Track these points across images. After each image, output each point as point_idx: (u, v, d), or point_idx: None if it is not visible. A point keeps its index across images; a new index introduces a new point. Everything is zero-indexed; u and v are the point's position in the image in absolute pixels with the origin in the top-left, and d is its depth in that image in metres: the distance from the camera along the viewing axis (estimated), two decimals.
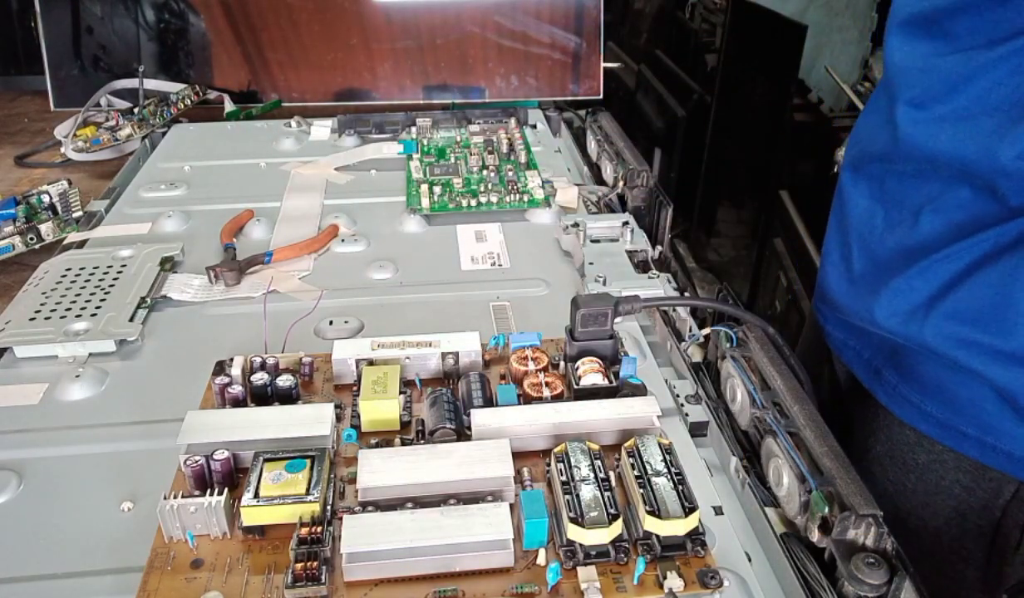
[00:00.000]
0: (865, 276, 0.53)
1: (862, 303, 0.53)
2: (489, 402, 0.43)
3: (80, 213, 0.72)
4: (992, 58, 0.44)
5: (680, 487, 0.36)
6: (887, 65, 0.51)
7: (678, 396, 0.48)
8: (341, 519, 0.36)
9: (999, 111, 0.44)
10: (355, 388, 0.45)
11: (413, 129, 0.87)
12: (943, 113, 0.47)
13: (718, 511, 0.40)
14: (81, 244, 0.66)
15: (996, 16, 0.43)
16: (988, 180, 0.45)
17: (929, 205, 0.49)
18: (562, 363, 0.47)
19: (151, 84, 0.99)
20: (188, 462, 0.38)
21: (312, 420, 0.41)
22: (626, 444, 0.39)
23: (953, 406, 0.51)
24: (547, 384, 0.44)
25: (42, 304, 0.55)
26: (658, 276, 0.58)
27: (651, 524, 0.35)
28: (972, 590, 0.55)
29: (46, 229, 0.70)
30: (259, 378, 0.44)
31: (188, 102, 0.98)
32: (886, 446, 0.56)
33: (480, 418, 0.41)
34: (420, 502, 0.37)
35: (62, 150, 0.88)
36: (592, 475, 0.37)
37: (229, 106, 1.01)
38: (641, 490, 0.37)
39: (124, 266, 0.60)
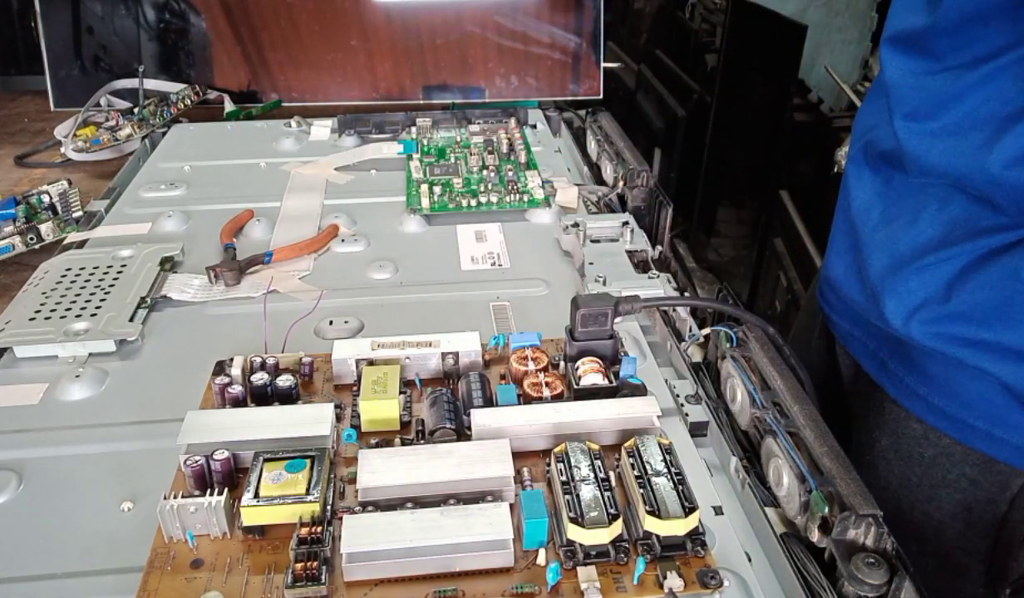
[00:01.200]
0: (869, 271, 0.53)
1: (869, 297, 0.53)
2: (489, 402, 0.43)
3: (80, 213, 0.72)
4: (978, 77, 0.45)
5: (680, 487, 0.36)
6: (883, 75, 0.52)
7: (678, 396, 0.48)
8: (341, 519, 0.36)
9: (987, 125, 0.45)
10: (355, 388, 0.45)
11: (413, 129, 0.87)
12: (934, 129, 0.48)
13: (718, 511, 0.40)
14: (81, 244, 0.66)
15: (975, 34, 0.45)
16: (981, 191, 0.46)
17: (928, 209, 0.50)
18: (562, 363, 0.47)
19: (151, 84, 0.99)
20: (188, 462, 0.38)
21: (312, 420, 0.41)
22: (626, 444, 0.39)
23: (961, 399, 0.51)
24: (547, 384, 0.44)
25: (42, 304, 0.55)
26: (658, 276, 0.58)
27: (651, 524, 0.35)
28: (976, 584, 0.55)
29: (46, 229, 0.70)
30: (259, 378, 0.44)
31: (188, 102, 0.98)
32: (892, 439, 0.56)
33: (480, 418, 0.41)
34: (420, 502, 0.37)
35: (62, 150, 0.88)
36: (592, 475, 0.37)
37: (229, 106, 1.01)
38: (641, 490, 0.37)
39: (124, 266, 0.60)
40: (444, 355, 0.47)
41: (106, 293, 0.57)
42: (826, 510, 0.35)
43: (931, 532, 0.55)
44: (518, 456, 0.40)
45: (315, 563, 0.34)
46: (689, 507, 0.35)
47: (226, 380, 0.44)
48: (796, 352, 0.46)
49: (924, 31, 0.48)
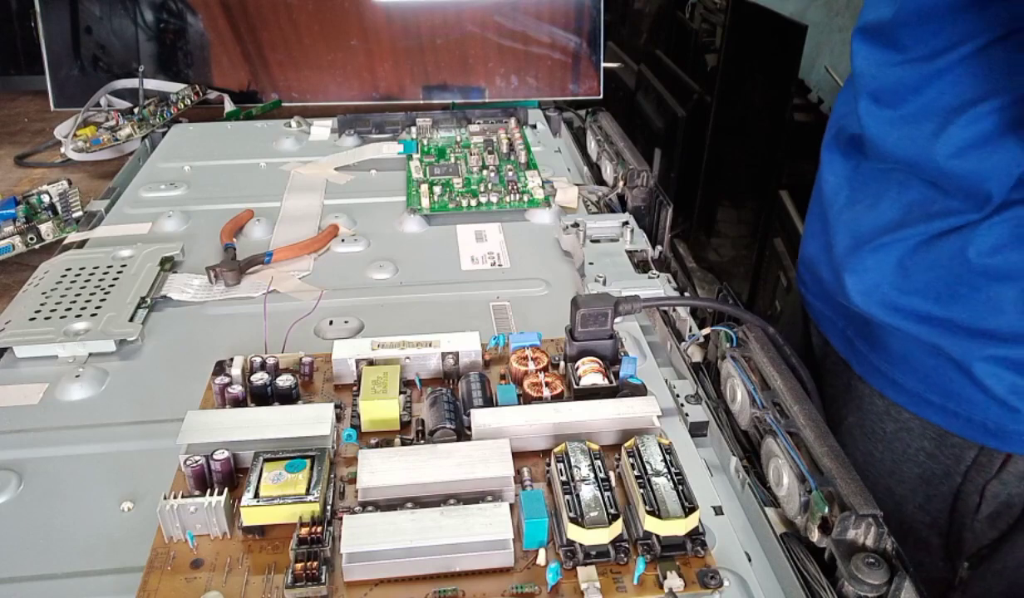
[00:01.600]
0: (834, 250, 0.56)
1: (835, 276, 0.56)
2: (489, 402, 0.43)
3: (80, 213, 0.72)
4: (934, 69, 0.47)
5: (680, 487, 0.37)
6: (852, 63, 0.54)
7: (678, 396, 0.48)
8: (341, 519, 0.36)
9: (938, 116, 0.47)
10: (355, 388, 0.45)
11: (413, 129, 0.87)
12: (893, 117, 0.50)
13: (718, 511, 0.40)
14: (81, 244, 0.66)
15: (933, 28, 0.46)
16: (931, 177, 0.49)
17: (888, 193, 0.52)
18: (562, 363, 0.47)
19: (151, 84, 0.99)
20: (188, 462, 0.38)
21: (312, 420, 0.41)
22: (626, 444, 0.39)
23: (918, 374, 0.53)
24: (547, 384, 0.44)
25: (42, 304, 0.55)
26: (658, 276, 0.58)
27: (651, 524, 0.35)
28: (936, 557, 0.58)
29: (46, 229, 0.70)
30: (259, 378, 0.44)
31: (188, 102, 0.98)
32: (857, 416, 0.58)
33: (480, 418, 0.41)
34: (420, 502, 0.37)
35: (62, 150, 0.88)
36: (592, 475, 0.37)
37: (229, 106, 1.01)
38: (641, 490, 0.37)
39: (124, 266, 0.60)
40: (444, 355, 0.47)
41: (106, 293, 0.57)
42: (826, 510, 0.35)
43: (893, 507, 0.57)
44: (518, 456, 0.40)
45: (315, 563, 0.34)
46: (689, 507, 0.35)
47: (226, 380, 0.44)
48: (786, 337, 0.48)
49: (888, 23, 0.50)
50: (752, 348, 0.45)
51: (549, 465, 0.39)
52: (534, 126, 0.92)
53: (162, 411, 0.47)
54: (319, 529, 0.35)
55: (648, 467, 0.38)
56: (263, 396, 0.44)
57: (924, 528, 0.57)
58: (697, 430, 0.46)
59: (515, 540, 0.35)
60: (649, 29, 2.06)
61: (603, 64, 1.04)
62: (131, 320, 0.54)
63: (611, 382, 0.44)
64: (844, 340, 0.58)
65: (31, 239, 0.69)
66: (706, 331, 0.51)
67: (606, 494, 0.36)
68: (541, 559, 0.35)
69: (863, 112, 0.52)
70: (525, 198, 0.71)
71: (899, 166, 0.51)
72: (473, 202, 0.71)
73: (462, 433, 0.42)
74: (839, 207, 0.56)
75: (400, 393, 0.43)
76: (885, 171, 0.53)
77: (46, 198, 0.70)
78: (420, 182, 0.74)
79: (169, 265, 0.62)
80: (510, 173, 0.75)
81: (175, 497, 0.36)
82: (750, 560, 0.37)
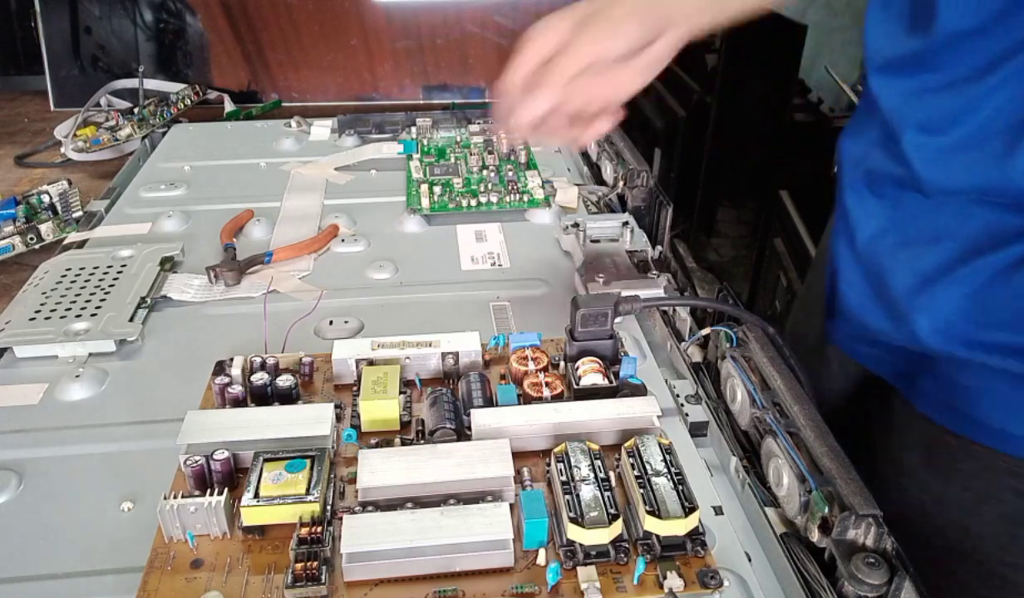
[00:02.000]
0: (892, 294, 0.52)
1: (894, 321, 0.52)
2: (489, 402, 0.43)
3: (80, 213, 0.72)
4: (987, 88, 0.44)
5: (680, 487, 0.36)
6: (879, 105, 0.51)
7: (678, 396, 0.48)
8: (341, 519, 0.36)
9: (1005, 133, 0.44)
10: (355, 388, 0.45)
11: (413, 129, 0.87)
12: (948, 144, 0.47)
13: (718, 511, 0.40)
14: (81, 244, 0.66)
15: (973, 46, 0.44)
16: (1005, 199, 0.46)
17: (949, 225, 0.49)
18: (562, 363, 0.47)
19: (151, 84, 1.00)
20: (188, 462, 0.38)
21: (312, 420, 0.41)
22: (626, 444, 0.39)
23: (1004, 410, 0.49)
24: (547, 384, 0.44)
25: (42, 304, 0.55)
26: (658, 276, 0.58)
27: (651, 524, 0.35)
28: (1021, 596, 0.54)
29: (46, 229, 0.70)
30: (259, 378, 0.44)
31: (188, 102, 0.98)
32: (922, 455, 0.53)
33: (480, 418, 0.41)
34: (420, 502, 0.37)
35: (62, 150, 0.88)
36: (592, 475, 0.37)
37: (229, 106, 1.01)
38: (641, 490, 0.37)
39: (124, 266, 0.60)
40: (444, 355, 0.47)
41: (106, 293, 0.57)
42: (826, 510, 0.35)
43: (970, 546, 0.53)
44: (518, 456, 0.40)
45: (315, 563, 0.34)
46: (689, 507, 0.35)
47: (226, 380, 0.44)
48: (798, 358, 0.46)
49: (917, 52, 0.47)
50: (752, 348, 0.45)
51: (549, 465, 0.39)
52: None
53: (162, 411, 0.47)
54: (319, 529, 0.35)
55: (648, 467, 0.38)
56: (263, 396, 0.44)
57: (1008, 569, 0.53)
58: (697, 430, 0.46)
59: (515, 540, 0.35)
60: None
61: None
62: (131, 320, 0.54)
63: (611, 382, 0.44)
64: (904, 379, 0.54)
65: (31, 239, 0.69)
66: (706, 331, 0.51)
67: (606, 494, 0.36)
68: (541, 559, 0.35)
69: (910, 147, 0.49)
70: (525, 198, 0.71)
71: (959, 195, 0.48)
72: (473, 202, 0.71)
73: (462, 433, 0.42)
74: (888, 250, 0.52)
75: (400, 393, 0.43)
76: (939, 203, 0.49)
77: (46, 198, 0.70)
78: (420, 182, 0.74)
79: (169, 265, 0.62)
80: (510, 173, 0.75)
81: (175, 497, 0.36)
82: (750, 560, 0.37)
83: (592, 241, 0.63)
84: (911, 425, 0.54)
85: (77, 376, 0.49)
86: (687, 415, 0.46)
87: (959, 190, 0.48)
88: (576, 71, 0.47)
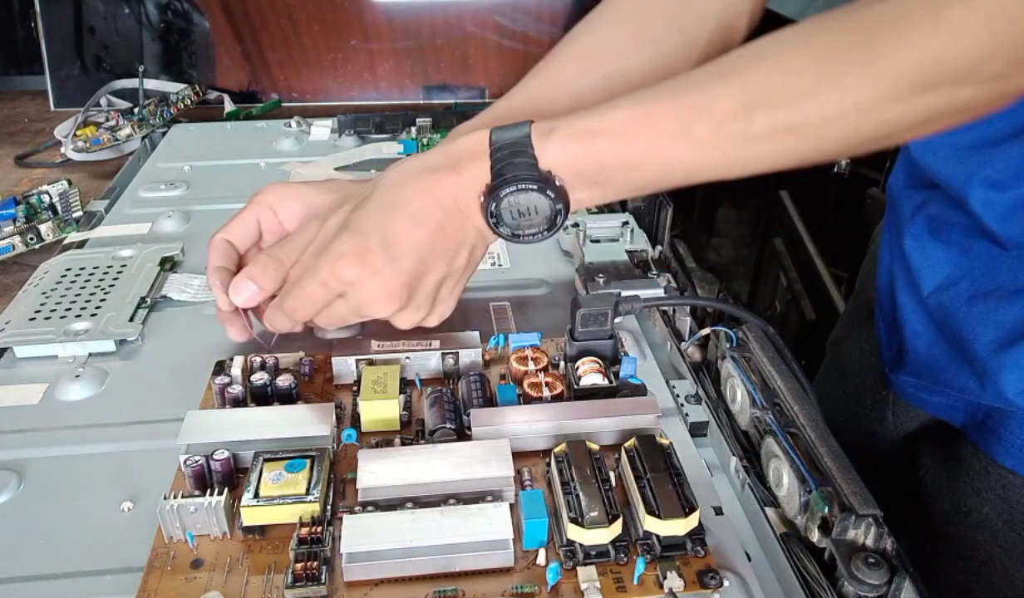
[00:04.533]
0: (971, 348, 0.49)
1: (976, 380, 0.50)
2: (489, 402, 0.43)
3: (80, 213, 0.72)
4: None
5: (680, 487, 0.36)
6: (932, 169, 0.49)
7: (678, 396, 0.48)
8: (341, 519, 0.36)
9: None
10: (355, 388, 0.45)
11: (413, 129, 0.87)
12: (1020, 199, 0.45)
13: (718, 511, 0.40)
14: (81, 244, 0.66)
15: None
16: None
17: None
18: (562, 363, 0.47)
19: (151, 84, 0.99)
20: (188, 462, 0.38)
21: (312, 420, 0.41)
22: (626, 444, 0.39)
23: None
24: (547, 384, 0.44)
25: (42, 304, 0.55)
26: (658, 276, 0.58)
27: (651, 524, 0.35)
28: None
29: (46, 229, 0.70)
30: (259, 378, 0.44)
31: (188, 102, 0.98)
32: (998, 507, 0.51)
33: (480, 418, 0.41)
34: (420, 502, 0.37)
35: (62, 150, 0.88)
36: (592, 475, 0.37)
37: (229, 106, 1.01)
38: (641, 490, 0.37)
39: (124, 266, 0.60)
40: (444, 355, 0.47)
41: (106, 293, 0.57)
42: (826, 510, 0.35)
43: None
44: (518, 456, 0.40)
45: (315, 563, 0.34)
46: (689, 507, 0.35)
47: (226, 380, 0.44)
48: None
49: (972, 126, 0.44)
50: (752, 348, 0.45)
51: (549, 465, 0.39)
52: None
53: (162, 411, 0.47)
54: (319, 529, 0.35)
55: (648, 467, 0.38)
56: (263, 396, 0.44)
57: None
58: (697, 430, 0.46)
59: (515, 540, 0.35)
60: None
61: None
62: (131, 320, 0.54)
63: (611, 382, 0.44)
64: (981, 430, 0.51)
65: (31, 239, 0.69)
66: (706, 331, 0.51)
67: (606, 494, 0.36)
68: (541, 559, 0.35)
69: (978, 204, 0.46)
70: None
71: None
72: None
73: (462, 433, 0.42)
74: (961, 301, 0.49)
75: (400, 393, 0.43)
76: (1019, 255, 0.47)
77: (46, 198, 0.70)
78: None
79: (169, 265, 0.62)
80: None
81: (175, 497, 0.36)
82: (750, 560, 0.37)
83: (592, 241, 0.63)
84: (986, 475, 0.51)
85: (77, 376, 0.49)
86: (687, 415, 0.46)
87: None
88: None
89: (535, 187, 0.40)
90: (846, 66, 0.35)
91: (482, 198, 0.42)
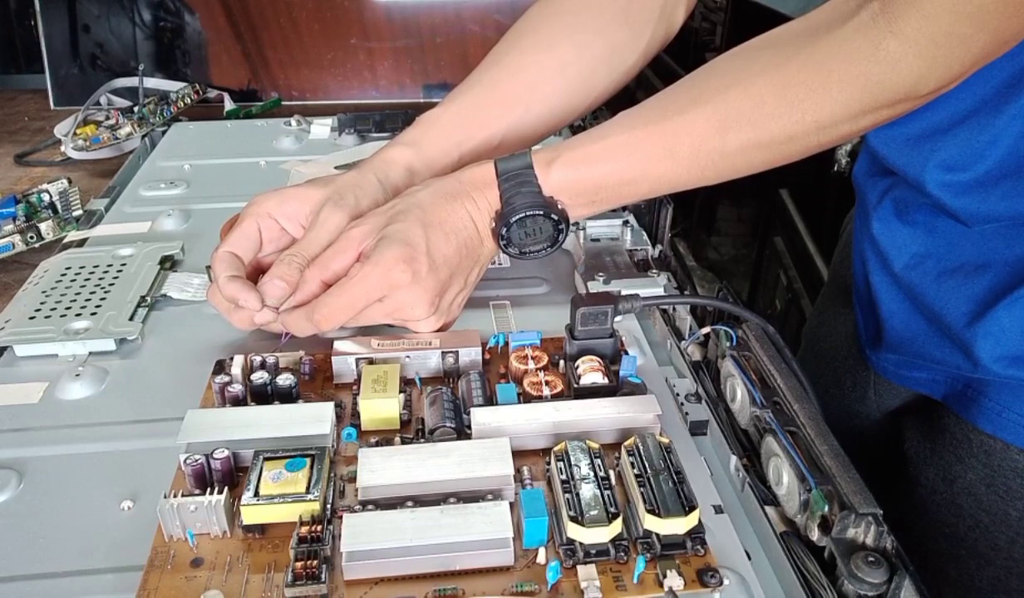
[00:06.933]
0: (946, 321, 0.51)
1: (949, 348, 0.51)
2: (489, 401, 0.43)
3: (80, 212, 0.72)
4: (1005, 119, 0.45)
5: (680, 486, 0.37)
6: (889, 161, 0.51)
7: (678, 395, 0.48)
8: (341, 518, 0.36)
9: None
10: (355, 387, 0.45)
11: None
12: (978, 178, 0.46)
13: (718, 510, 0.40)
14: (81, 243, 0.66)
15: (978, 78, 0.42)
16: None
17: (996, 250, 0.48)
18: (562, 362, 0.47)
19: (151, 83, 1.00)
20: (188, 461, 0.38)
21: (312, 419, 0.41)
22: (626, 443, 0.39)
23: None
24: (547, 383, 0.44)
25: (42, 303, 0.55)
26: (658, 275, 0.58)
27: (651, 523, 0.35)
28: None
29: (46, 228, 0.70)
30: (259, 377, 0.44)
31: (188, 101, 0.97)
32: (982, 473, 0.52)
33: (480, 417, 0.41)
34: (420, 501, 0.37)
35: (62, 149, 0.88)
36: (592, 474, 0.37)
37: (229, 105, 1.01)
38: (641, 489, 0.37)
39: (124, 265, 0.60)
40: (444, 354, 0.47)
41: (106, 292, 0.57)
42: (826, 509, 0.35)
43: None
44: (518, 455, 0.40)
45: (315, 562, 0.34)
46: (689, 506, 0.35)
47: (226, 379, 0.44)
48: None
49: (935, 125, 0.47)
50: (752, 347, 0.45)
51: (549, 464, 0.39)
52: None
53: (162, 410, 0.47)
54: (319, 528, 0.35)
55: (648, 466, 0.38)
56: (263, 395, 0.44)
57: None
58: (697, 429, 0.46)
59: (515, 539, 0.35)
60: None
61: None
62: (131, 319, 0.54)
63: (611, 381, 0.44)
64: (962, 400, 0.53)
65: (31, 238, 0.69)
66: (706, 330, 0.51)
67: (606, 493, 0.36)
68: (541, 558, 0.35)
69: (935, 186, 0.48)
70: None
71: (1001, 221, 0.47)
72: None
73: (462, 432, 0.42)
74: (930, 278, 0.51)
75: (400, 392, 0.43)
76: (976, 237, 0.49)
77: (46, 197, 0.70)
78: None
79: (169, 264, 0.62)
80: None
81: (175, 496, 0.36)
82: (750, 559, 0.37)
83: (592, 240, 0.63)
84: (967, 443, 0.53)
85: (77, 375, 0.49)
86: (687, 414, 0.46)
87: (999, 218, 0.47)
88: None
89: (541, 213, 0.47)
90: (803, 91, 0.41)
91: (493, 223, 0.48)
